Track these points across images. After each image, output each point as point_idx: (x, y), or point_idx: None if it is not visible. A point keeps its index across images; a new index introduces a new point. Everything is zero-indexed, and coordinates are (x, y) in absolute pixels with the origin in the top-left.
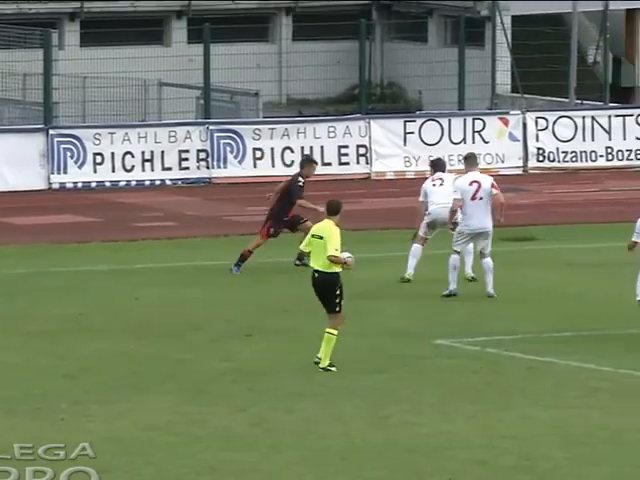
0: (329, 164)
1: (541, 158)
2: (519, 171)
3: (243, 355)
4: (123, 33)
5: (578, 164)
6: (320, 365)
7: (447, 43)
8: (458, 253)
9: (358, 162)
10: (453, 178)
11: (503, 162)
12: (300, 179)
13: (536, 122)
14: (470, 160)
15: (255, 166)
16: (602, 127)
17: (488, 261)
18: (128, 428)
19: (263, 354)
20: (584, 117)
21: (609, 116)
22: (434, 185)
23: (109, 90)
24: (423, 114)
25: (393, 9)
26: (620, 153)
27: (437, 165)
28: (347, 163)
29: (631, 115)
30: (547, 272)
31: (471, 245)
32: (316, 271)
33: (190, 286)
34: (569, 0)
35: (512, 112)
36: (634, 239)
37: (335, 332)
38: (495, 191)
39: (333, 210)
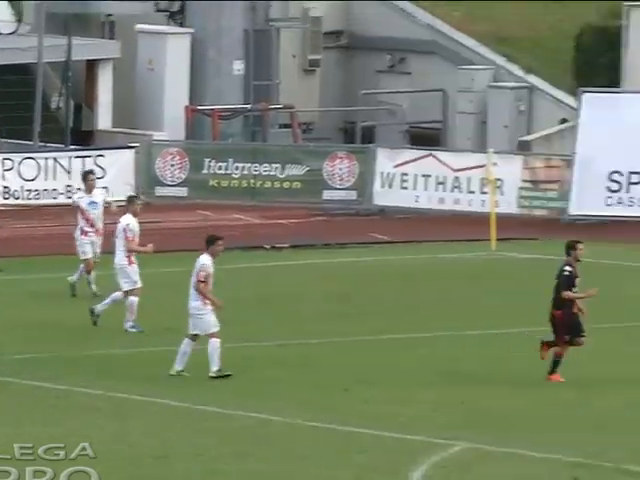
0: None
1: (7, 196)
2: None
3: None
4: None
5: (41, 201)
6: None
7: None
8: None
9: None
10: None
11: None
12: None
13: (3, 163)
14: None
15: None
16: (63, 167)
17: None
18: None
19: None
20: (47, 158)
21: (70, 157)
22: None
23: None
24: None
25: None
26: None
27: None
28: None
29: (90, 156)
30: (14, 301)
31: None
32: None
33: None
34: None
35: None
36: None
37: None
38: None
39: None
